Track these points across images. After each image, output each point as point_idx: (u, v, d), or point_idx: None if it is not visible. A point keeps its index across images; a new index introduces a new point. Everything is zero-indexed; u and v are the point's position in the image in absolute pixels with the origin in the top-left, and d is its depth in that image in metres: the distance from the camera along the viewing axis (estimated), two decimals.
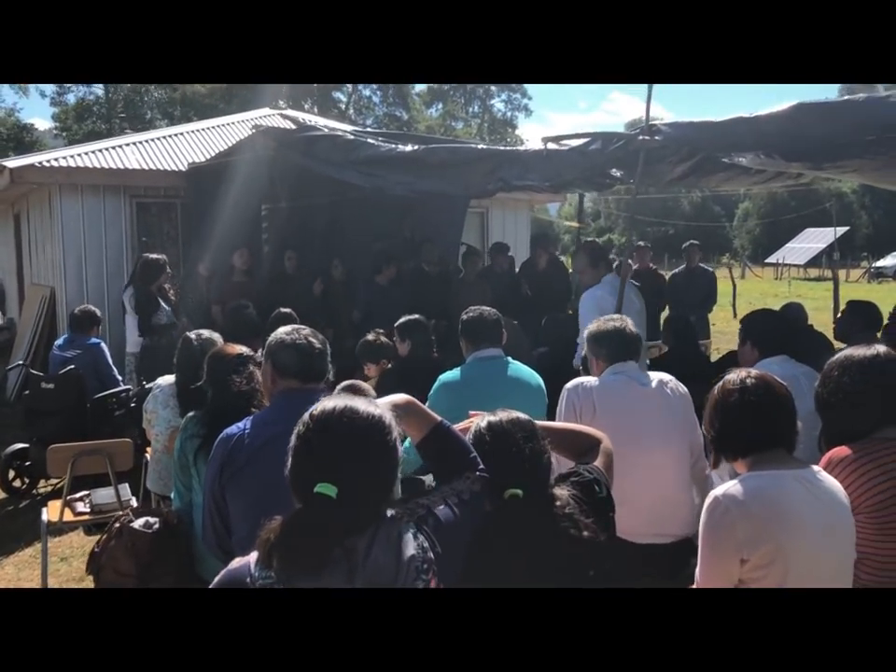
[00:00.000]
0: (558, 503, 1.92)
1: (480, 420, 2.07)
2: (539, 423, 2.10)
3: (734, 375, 2.26)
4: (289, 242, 7.70)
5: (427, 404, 3.82)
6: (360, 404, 1.60)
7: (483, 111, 51.69)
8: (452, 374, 3.74)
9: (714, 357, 8.05)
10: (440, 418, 1.96)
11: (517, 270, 8.88)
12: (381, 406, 1.66)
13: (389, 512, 1.61)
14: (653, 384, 3.15)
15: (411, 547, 1.55)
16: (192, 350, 3.80)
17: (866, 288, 25.99)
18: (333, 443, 1.53)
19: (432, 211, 8.62)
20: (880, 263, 35.43)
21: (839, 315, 5.18)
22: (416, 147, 6.03)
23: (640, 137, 4.46)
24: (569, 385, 3.16)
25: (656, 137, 4.39)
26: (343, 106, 43.96)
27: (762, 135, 3.89)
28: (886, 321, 5.37)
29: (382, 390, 4.85)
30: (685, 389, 3.18)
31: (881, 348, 2.49)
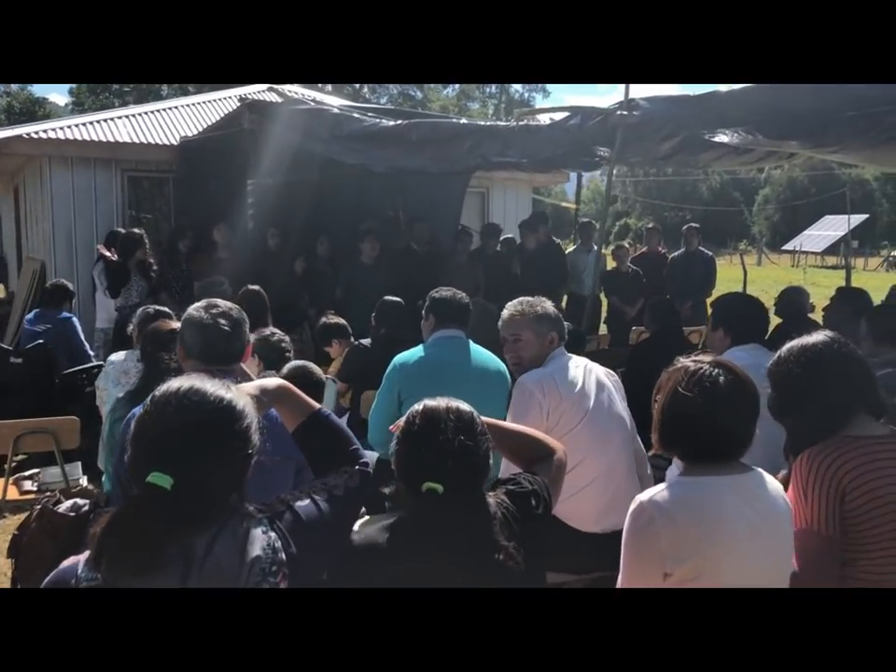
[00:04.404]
0: (485, 513, 1.73)
1: (418, 403, 1.85)
2: (490, 421, 1.89)
3: (703, 370, 1.95)
4: (274, 218, 7.54)
5: (382, 385, 3.72)
6: (209, 387, 1.46)
7: (501, 91, 51.04)
8: (409, 354, 3.59)
9: None
10: (318, 406, 1.80)
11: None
12: (238, 390, 1.51)
13: (249, 508, 1.47)
14: (595, 367, 3.06)
15: (257, 546, 1.39)
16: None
17: (883, 277, 25.52)
18: (170, 428, 1.39)
19: (426, 190, 8.43)
20: None
21: (829, 302, 4.97)
22: (398, 123, 5.85)
23: (619, 112, 4.26)
24: (527, 380, 2.95)
25: (634, 112, 4.19)
26: (358, 85, 43.60)
27: (742, 111, 3.70)
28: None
29: (349, 368, 4.82)
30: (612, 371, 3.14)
31: (822, 336, 2.29)
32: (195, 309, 2.48)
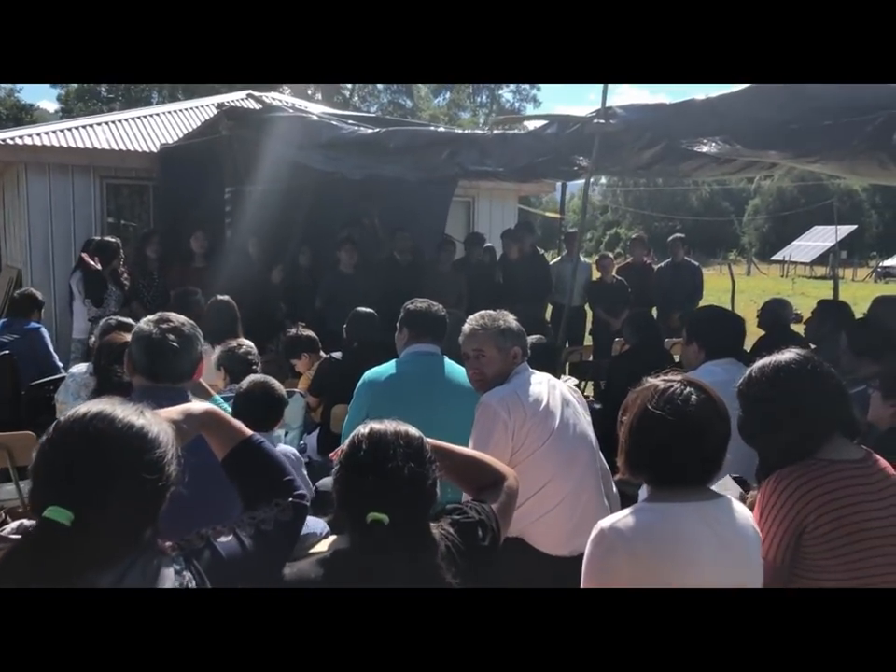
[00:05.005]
0: (429, 546, 1.62)
1: (363, 426, 1.73)
2: (437, 444, 1.78)
3: (674, 389, 1.85)
4: (254, 227, 7.43)
5: (352, 400, 3.60)
6: (120, 413, 1.34)
7: (492, 101, 51.08)
8: (379, 371, 3.47)
9: None
10: (250, 432, 1.68)
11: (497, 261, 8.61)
12: (154, 416, 1.40)
13: (165, 544, 1.36)
14: (559, 382, 2.97)
15: (167, 587, 1.28)
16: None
17: (871, 288, 25.58)
18: (71, 458, 1.27)
19: (411, 199, 8.33)
20: (887, 263, 35.02)
21: (810, 315, 4.90)
22: (377, 130, 5.76)
23: (596, 121, 4.18)
24: (491, 399, 2.81)
25: (611, 121, 4.11)
26: (348, 94, 43.53)
27: (719, 119, 3.62)
28: None
29: (320, 381, 4.70)
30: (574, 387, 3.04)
31: (795, 354, 2.19)
32: (146, 322, 2.38)
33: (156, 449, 1.33)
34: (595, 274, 8.79)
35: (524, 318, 4.36)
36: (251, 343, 4.46)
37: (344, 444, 1.68)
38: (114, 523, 1.27)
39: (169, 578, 1.29)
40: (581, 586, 1.87)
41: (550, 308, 8.59)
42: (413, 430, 1.69)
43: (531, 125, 4.91)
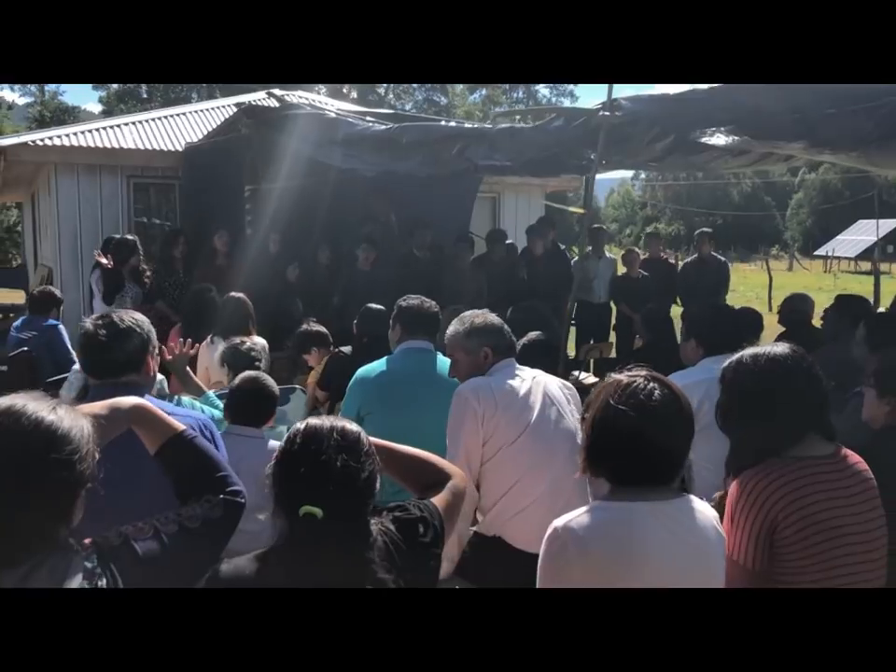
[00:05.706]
0: (365, 542, 1.59)
1: (300, 422, 1.71)
2: (379, 442, 1.75)
3: (637, 383, 1.79)
4: (274, 224, 7.46)
5: (343, 399, 3.57)
6: (32, 408, 1.31)
7: (528, 97, 50.72)
8: (371, 368, 3.45)
9: None
10: (183, 427, 1.66)
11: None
12: (70, 411, 1.37)
13: (84, 541, 1.34)
14: (547, 378, 2.92)
15: (75, 587, 1.26)
16: None
17: None
18: None
19: (434, 195, 8.26)
20: None
21: (827, 309, 4.75)
22: (390, 126, 5.74)
23: (601, 113, 4.11)
24: (463, 388, 2.85)
25: (617, 113, 4.03)
26: (383, 92, 43.59)
27: (722, 109, 3.52)
28: None
29: (328, 376, 4.68)
30: (570, 384, 2.98)
31: (788, 349, 2.12)
32: (88, 321, 2.37)
33: (66, 445, 1.30)
34: (622, 269, 8.69)
35: (535, 314, 4.27)
36: (258, 340, 4.45)
37: (284, 438, 1.66)
38: (19, 522, 1.25)
39: (77, 578, 1.27)
40: (537, 585, 1.82)
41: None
42: (352, 425, 1.66)
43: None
